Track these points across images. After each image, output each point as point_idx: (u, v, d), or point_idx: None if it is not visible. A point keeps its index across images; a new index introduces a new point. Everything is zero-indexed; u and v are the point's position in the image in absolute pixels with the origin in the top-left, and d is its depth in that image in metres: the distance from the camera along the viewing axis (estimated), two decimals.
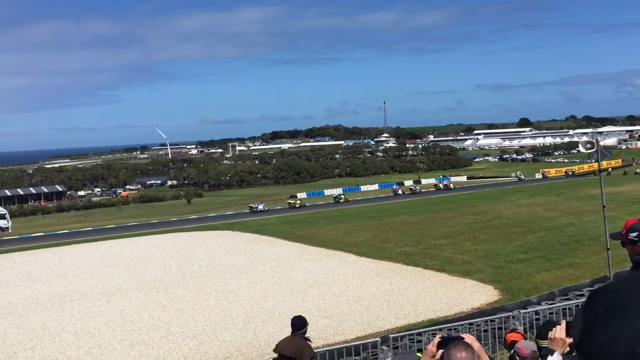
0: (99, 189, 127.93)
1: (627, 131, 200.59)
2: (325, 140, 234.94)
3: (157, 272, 30.02)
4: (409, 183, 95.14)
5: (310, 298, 22.63)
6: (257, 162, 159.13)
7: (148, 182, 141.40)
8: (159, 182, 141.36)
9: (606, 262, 17.93)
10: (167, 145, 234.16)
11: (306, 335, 7.71)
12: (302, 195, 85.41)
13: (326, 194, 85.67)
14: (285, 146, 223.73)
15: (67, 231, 55.43)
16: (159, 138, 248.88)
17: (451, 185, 77.57)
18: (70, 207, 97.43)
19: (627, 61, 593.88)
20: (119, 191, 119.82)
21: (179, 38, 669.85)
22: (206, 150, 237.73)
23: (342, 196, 73.43)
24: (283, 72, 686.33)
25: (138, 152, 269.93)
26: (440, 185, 76.80)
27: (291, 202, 65.89)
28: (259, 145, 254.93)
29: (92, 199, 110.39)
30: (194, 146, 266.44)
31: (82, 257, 36.86)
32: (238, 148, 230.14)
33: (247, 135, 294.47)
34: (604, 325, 1.08)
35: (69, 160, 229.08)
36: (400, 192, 73.23)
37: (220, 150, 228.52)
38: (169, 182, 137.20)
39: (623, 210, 36.39)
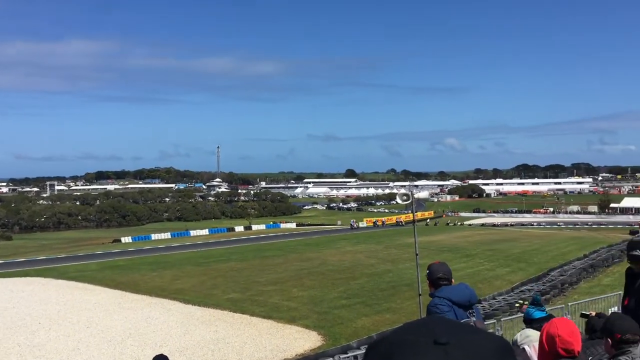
0: None
1: (439, 185, 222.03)
2: (155, 183, 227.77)
3: None
4: (240, 229, 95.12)
5: (129, 350, 21.24)
6: (78, 203, 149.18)
7: None
8: None
9: (418, 307, 19.28)
10: None
11: None
12: (127, 239, 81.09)
13: (153, 238, 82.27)
14: (111, 187, 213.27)
15: None
16: None
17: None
18: None
19: (438, 122, 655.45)
20: None
21: None
22: (19, 189, 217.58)
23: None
24: (112, 110, 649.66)
25: None
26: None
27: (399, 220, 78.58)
28: (82, 185, 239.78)
29: None
30: (5, 184, 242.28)
31: None
32: (57, 187, 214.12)
33: (69, 175, 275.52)
34: None
35: None
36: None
37: (36, 189, 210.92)
38: None
39: (434, 257, 38.96)
